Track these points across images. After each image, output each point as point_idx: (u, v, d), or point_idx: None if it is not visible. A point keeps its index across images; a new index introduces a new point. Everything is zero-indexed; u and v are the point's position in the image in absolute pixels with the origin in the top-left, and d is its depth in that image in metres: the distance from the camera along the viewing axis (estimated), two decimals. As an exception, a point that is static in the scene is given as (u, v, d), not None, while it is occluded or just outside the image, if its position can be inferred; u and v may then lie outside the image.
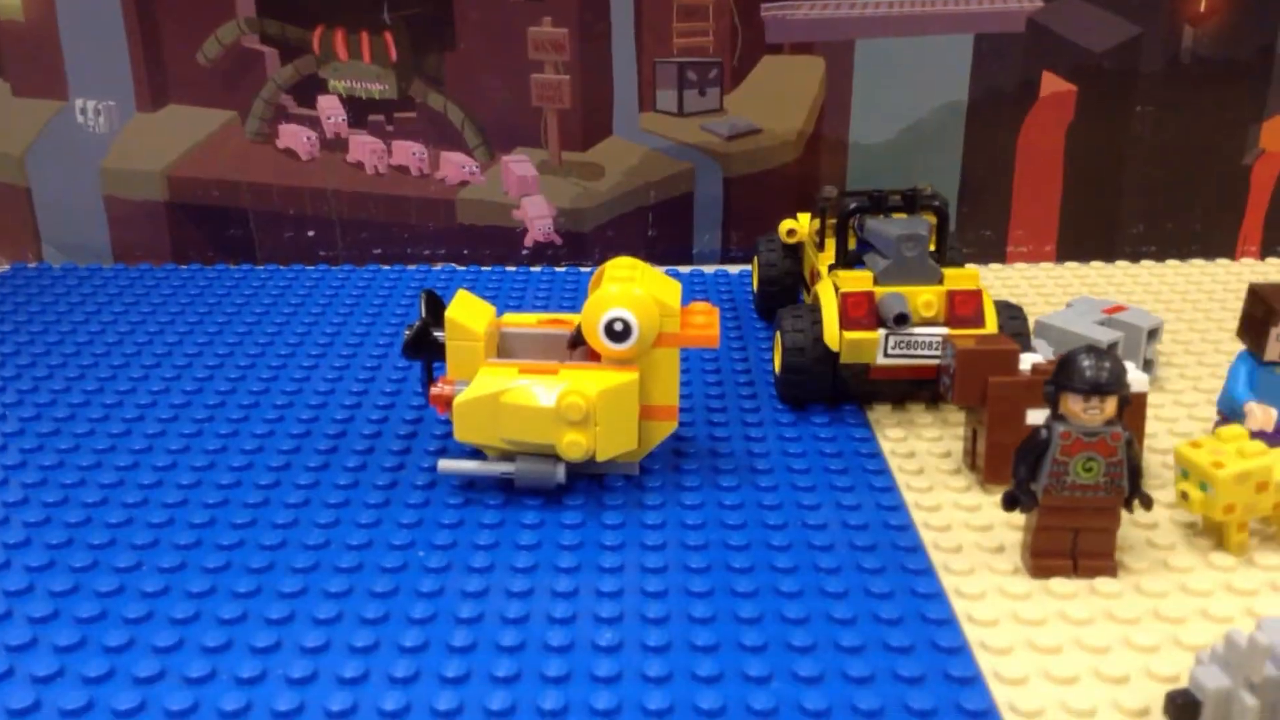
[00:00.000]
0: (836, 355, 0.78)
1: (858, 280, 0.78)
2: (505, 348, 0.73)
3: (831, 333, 0.77)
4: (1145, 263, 1.11)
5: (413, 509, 0.69)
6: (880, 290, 0.77)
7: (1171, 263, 1.10)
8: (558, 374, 0.70)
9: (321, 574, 0.63)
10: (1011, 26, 1.07)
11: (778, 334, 0.82)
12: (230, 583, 0.62)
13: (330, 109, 1.10)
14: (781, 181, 1.10)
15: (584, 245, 1.12)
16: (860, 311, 0.77)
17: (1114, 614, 0.60)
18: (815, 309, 0.80)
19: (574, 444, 0.68)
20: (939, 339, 0.76)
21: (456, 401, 0.70)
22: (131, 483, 0.72)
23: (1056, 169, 1.11)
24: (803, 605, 0.60)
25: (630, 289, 0.69)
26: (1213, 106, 1.09)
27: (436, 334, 0.72)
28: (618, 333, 0.69)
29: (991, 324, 0.77)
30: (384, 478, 0.72)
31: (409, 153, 1.10)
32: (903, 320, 0.76)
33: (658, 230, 1.13)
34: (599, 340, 0.69)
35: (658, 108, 1.10)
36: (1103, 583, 0.62)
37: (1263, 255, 1.14)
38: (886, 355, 0.76)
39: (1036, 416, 0.65)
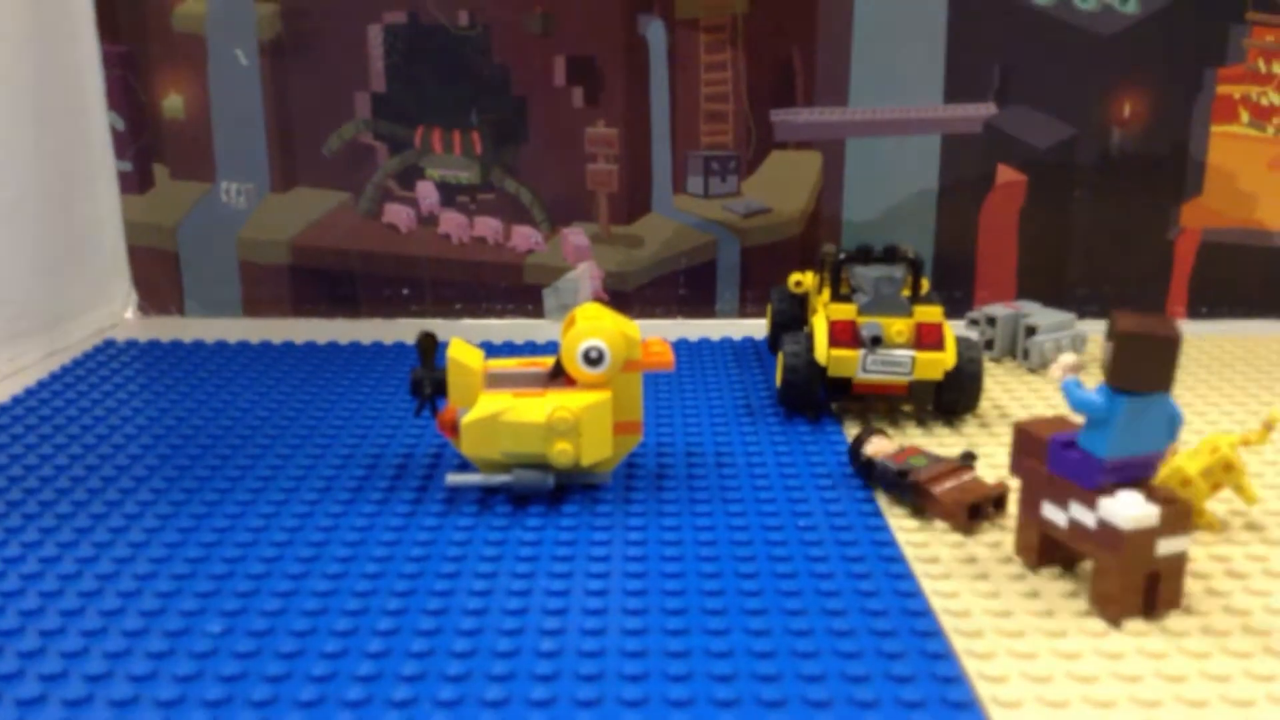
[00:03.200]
0: (824, 370, 0.91)
1: (844, 311, 0.91)
2: (491, 386, 0.80)
3: (821, 351, 0.90)
4: (1088, 320, 1.16)
5: (436, 516, 0.77)
6: (861, 319, 0.90)
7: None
8: (545, 396, 0.77)
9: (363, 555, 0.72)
10: (971, 128, 1.19)
11: (780, 354, 0.95)
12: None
13: (426, 192, 1.22)
14: (788, 251, 1.21)
15: (627, 301, 1.23)
16: (845, 335, 0.90)
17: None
18: (809, 335, 0.93)
19: (563, 451, 0.76)
20: (908, 359, 0.89)
21: (464, 422, 0.77)
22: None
23: (1012, 242, 1.22)
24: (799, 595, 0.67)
25: (601, 324, 0.77)
26: (1139, 192, 1.20)
27: (435, 373, 0.80)
28: (593, 359, 0.77)
29: (951, 351, 0.90)
30: (409, 493, 0.81)
31: (487, 226, 1.23)
32: (877, 342, 0.89)
33: (687, 290, 1.24)
34: (577, 367, 0.77)
35: (688, 191, 1.22)
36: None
37: (1189, 315, 1.23)
38: (865, 370, 0.90)
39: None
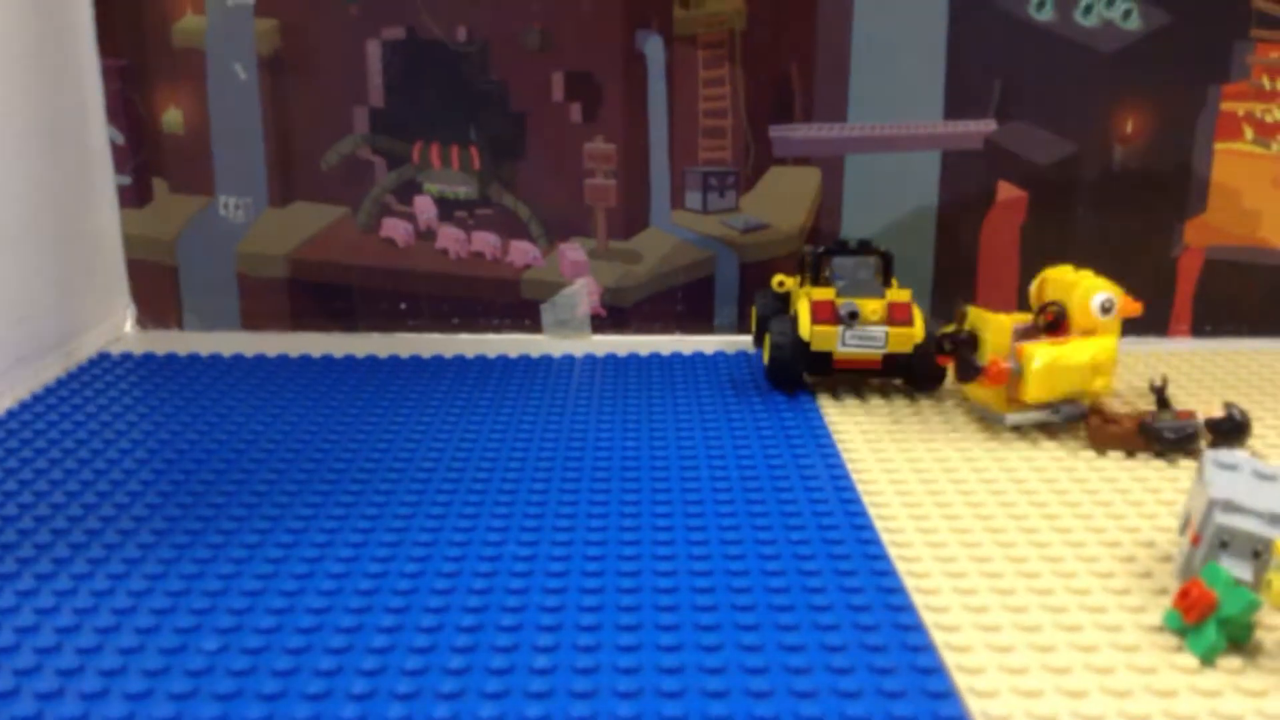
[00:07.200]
0: (808, 346, 1.00)
1: (824, 293, 1.02)
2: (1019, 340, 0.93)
3: (805, 328, 1.00)
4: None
5: (429, 531, 0.78)
6: (840, 300, 1.01)
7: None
8: (1070, 344, 0.92)
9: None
10: (972, 145, 1.19)
11: (766, 335, 1.04)
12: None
13: (424, 207, 1.22)
14: (786, 267, 1.19)
15: (624, 317, 1.24)
16: (825, 314, 1.00)
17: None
18: (794, 318, 1.03)
19: (1104, 386, 0.92)
20: (882, 334, 0.99)
21: (1034, 368, 0.90)
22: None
23: (1013, 259, 1.21)
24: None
25: (1104, 281, 0.94)
26: (1142, 209, 1.19)
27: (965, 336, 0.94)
28: (1107, 309, 0.93)
29: (919, 326, 1.00)
30: (403, 508, 0.81)
31: (485, 241, 1.23)
32: (854, 318, 0.99)
33: (685, 306, 1.24)
34: (1091, 315, 0.93)
35: (686, 206, 1.22)
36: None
37: (1193, 333, 1.23)
38: (844, 345, 1.00)
39: None
